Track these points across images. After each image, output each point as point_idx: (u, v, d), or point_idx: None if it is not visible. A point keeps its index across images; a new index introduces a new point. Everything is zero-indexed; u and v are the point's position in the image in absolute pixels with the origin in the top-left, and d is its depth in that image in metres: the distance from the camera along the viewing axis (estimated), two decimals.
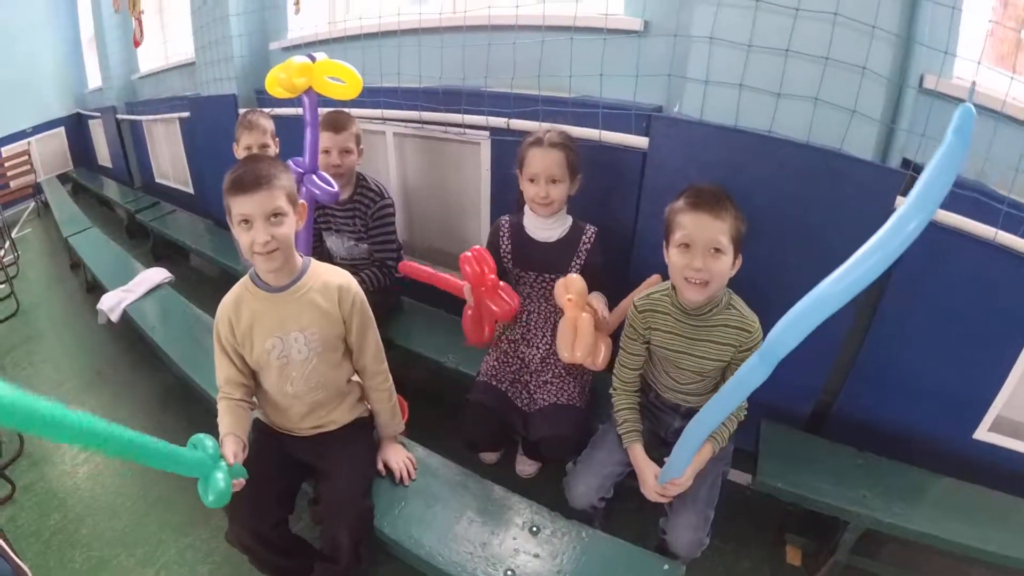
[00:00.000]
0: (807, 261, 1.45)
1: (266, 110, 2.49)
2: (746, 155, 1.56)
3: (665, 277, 1.41)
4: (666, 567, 1.22)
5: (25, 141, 6.55)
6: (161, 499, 1.93)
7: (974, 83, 0.91)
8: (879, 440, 1.64)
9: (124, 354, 2.91)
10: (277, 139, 2.34)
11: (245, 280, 1.35)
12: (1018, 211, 1.38)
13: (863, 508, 1.41)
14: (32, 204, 6.45)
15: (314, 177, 1.94)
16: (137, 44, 5.00)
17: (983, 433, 1.61)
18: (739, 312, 1.34)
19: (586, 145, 1.78)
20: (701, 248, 1.25)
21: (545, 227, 1.72)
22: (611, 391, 1.53)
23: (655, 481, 1.36)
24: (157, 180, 5.15)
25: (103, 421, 0.89)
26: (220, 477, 1.09)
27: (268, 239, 1.20)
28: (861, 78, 1.41)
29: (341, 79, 1.95)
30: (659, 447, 1.49)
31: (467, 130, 2.22)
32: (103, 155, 6.39)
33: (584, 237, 1.70)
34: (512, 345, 1.78)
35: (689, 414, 1.23)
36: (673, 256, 1.30)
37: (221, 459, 1.13)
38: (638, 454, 1.42)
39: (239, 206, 1.20)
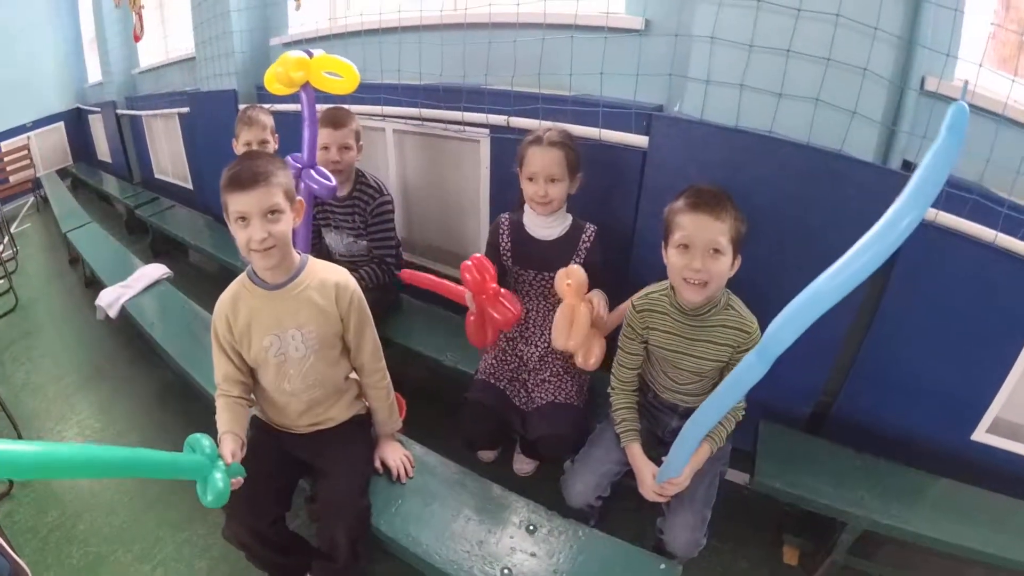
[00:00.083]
0: (807, 262, 1.44)
1: (266, 106, 2.49)
2: (746, 155, 1.56)
3: (664, 277, 1.40)
4: (663, 567, 1.22)
5: (24, 136, 6.53)
6: (159, 495, 1.93)
7: (966, 82, 0.92)
8: (877, 441, 1.64)
9: (123, 350, 2.91)
10: (277, 135, 2.34)
11: (243, 277, 1.34)
12: (1018, 213, 1.37)
13: (861, 509, 1.41)
14: (31, 199, 6.44)
15: (312, 172, 1.94)
16: (137, 39, 5.00)
17: (981, 435, 1.61)
18: (738, 313, 1.34)
19: (586, 144, 1.77)
20: (700, 249, 1.25)
21: (545, 225, 1.71)
22: (609, 390, 1.53)
23: (653, 480, 1.36)
24: (156, 176, 5.14)
25: (98, 447, 0.91)
26: (219, 477, 1.09)
27: (265, 236, 1.20)
28: (862, 79, 1.41)
29: (338, 74, 1.95)
30: (657, 447, 1.49)
31: (467, 128, 2.21)
32: (103, 150, 6.38)
33: (584, 235, 1.70)
34: (510, 343, 1.78)
35: (687, 414, 1.23)
36: (672, 256, 1.30)
37: (219, 459, 1.13)
38: (636, 453, 1.42)
39: (236, 203, 1.19)
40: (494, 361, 1.76)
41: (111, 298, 2.65)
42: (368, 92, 2.44)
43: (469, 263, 1.54)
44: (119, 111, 5.48)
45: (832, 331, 1.60)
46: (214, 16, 3.41)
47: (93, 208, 5.26)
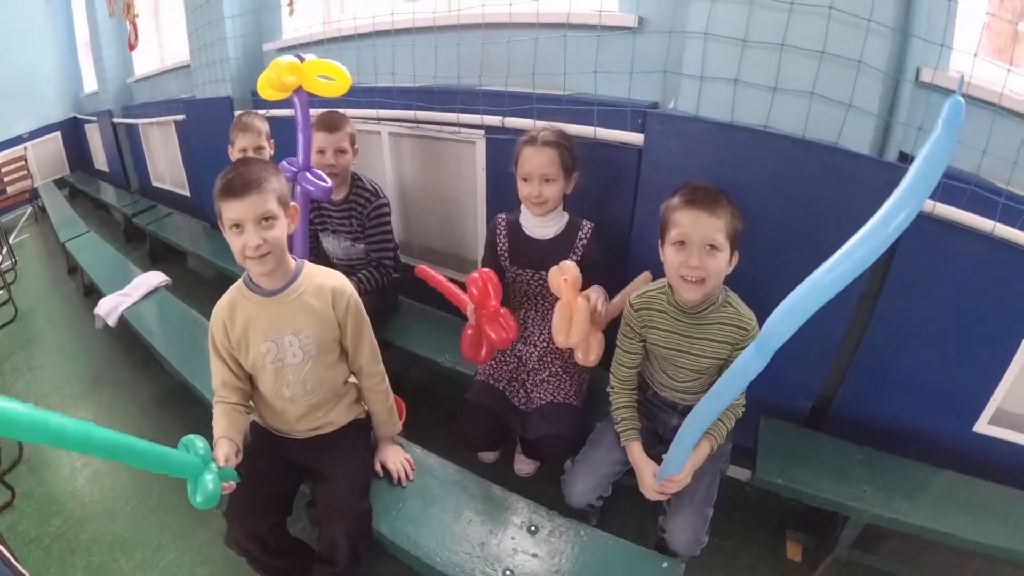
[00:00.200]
0: (804, 257, 1.43)
1: (261, 112, 2.48)
2: (742, 150, 1.55)
3: (660, 274, 1.40)
4: (665, 565, 1.22)
5: (21, 146, 6.53)
6: (160, 503, 1.93)
7: (963, 76, 0.93)
8: (879, 435, 1.63)
9: (122, 358, 2.91)
10: (272, 141, 2.33)
11: (239, 284, 1.34)
12: (1016, 203, 1.37)
13: (863, 503, 1.41)
14: (29, 209, 6.44)
15: (307, 174, 1.95)
16: (132, 48, 4.99)
17: (983, 426, 1.60)
18: (736, 310, 1.34)
19: (581, 142, 1.77)
20: (697, 246, 1.24)
21: (541, 224, 1.71)
22: (608, 389, 1.52)
23: (653, 479, 1.36)
24: (154, 183, 5.14)
25: (92, 425, 0.90)
26: (209, 479, 1.09)
27: (260, 243, 1.20)
28: (857, 72, 1.40)
29: (330, 77, 1.97)
30: (657, 445, 1.48)
31: (462, 129, 2.21)
32: (100, 159, 6.39)
33: (580, 233, 1.69)
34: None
35: (687, 412, 1.23)
36: (669, 254, 1.30)
37: (212, 461, 1.13)
38: (636, 452, 1.42)
39: (229, 210, 1.19)
40: (493, 362, 1.75)
41: (110, 306, 2.64)
42: (363, 95, 2.44)
43: (476, 276, 1.54)
44: (115, 120, 5.48)
45: (832, 325, 1.59)
46: (208, 23, 3.41)
47: (91, 217, 5.26)
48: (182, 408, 2.35)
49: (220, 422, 1.29)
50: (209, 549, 1.74)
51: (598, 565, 1.24)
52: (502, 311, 1.55)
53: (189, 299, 2.69)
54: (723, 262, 1.26)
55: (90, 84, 6.20)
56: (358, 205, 2.12)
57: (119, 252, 3.52)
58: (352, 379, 1.50)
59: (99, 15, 5.26)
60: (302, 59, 1.95)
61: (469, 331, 1.62)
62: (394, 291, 2.29)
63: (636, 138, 1.73)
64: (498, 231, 1.78)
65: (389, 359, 1.53)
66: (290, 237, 1.31)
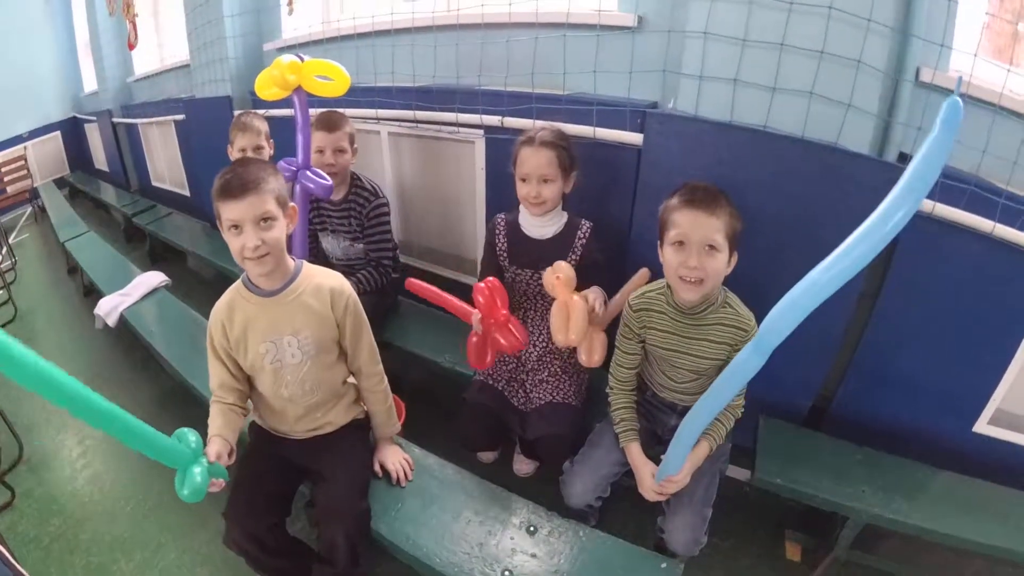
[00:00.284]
0: (804, 257, 1.43)
1: (260, 111, 2.48)
2: (742, 150, 1.55)
3: (659, 274, 1.40)
4: (663, 565, 1.22)
5: (21, 146, 6.53)
6: (160, 503, 1.93)
7: (960, 76, 0.93)
8: (878, 435, 1.63)
9: (122, 358, 2.91)
10: (271, 140, 2.33)
11: (238, 284, 1.34)
12: (1016, 204, 1.37)
13: (862, 503, 1.41)
14: (29, 209, 6.43)
15: (307, 172, 1.95)
16: (132, 47, 4.99)
17: (983, 426, 1.60)
18: (735, 310, 1.34)
19: (581, 142, 1.77)
20: (696, 246, 1.24)
21: (540, 224, 1.71)
22: (607, 390, 1.52)
23: (652, 480, 1.36)
24: (154, 183, 5.14)
25: (88, 389, 0.91)
26: (197, 472, 1.09)
27: (258, 243, 1.20)
28: (856, 72, 1.40)
29: (329, 77, 1.98)
30: (656, 446, 1.48)
31: (462, 129, 2.21)
32: (99, 159, 6.39)
33: (579, 233, 1.69)
34: None
35: (686, 413, 1.22)
36: (668, 254, 1.29)
37: (203, 456, 1.13)
38: (635, 453, 1.42)
39: (228, 211, 1.19)
40: None
41: (110, 306, 2.64)
42: (362, 95, 2.44)
43: (483, 286, 1.53)
44: (115, 119, 5.48)
45: (831, 325, 1.59)
46: (208, 22, 3.40)
47: (91, 217, 5.25)
48: (182, 408, 2.35)
49: (215, 421, 1.29)
50: (208, 549, 1.74)
51: (597, 565, 1.24)
52: (512, 319, 1.55)
53: (189, 299, 2.68)
54: (722, 262, 1.26)
55: (90, 84, 6.20)
56: (357, 205, 2.12)
57: (119, 252, 3.51)
58: (351, 379, 1.50)
59: (99, 14, 5.26)
60: (302, 59, 1.96)
61: (474, 339, 1.61)
62: (393, 291, 2.29)
63: (635, 138, 1.73)
64: (497, 231, 1.78)
65: (388, 359, 1.53)
66: (289, 237, 1.31)
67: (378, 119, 2.49)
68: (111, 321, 2.61)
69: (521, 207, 1.74)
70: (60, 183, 6.62)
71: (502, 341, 1.53)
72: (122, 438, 0.98)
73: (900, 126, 1.48)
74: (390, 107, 2.42)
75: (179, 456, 1.09)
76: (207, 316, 1.37)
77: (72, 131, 6.92)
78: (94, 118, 6.04)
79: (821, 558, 1.58)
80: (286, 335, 1.31)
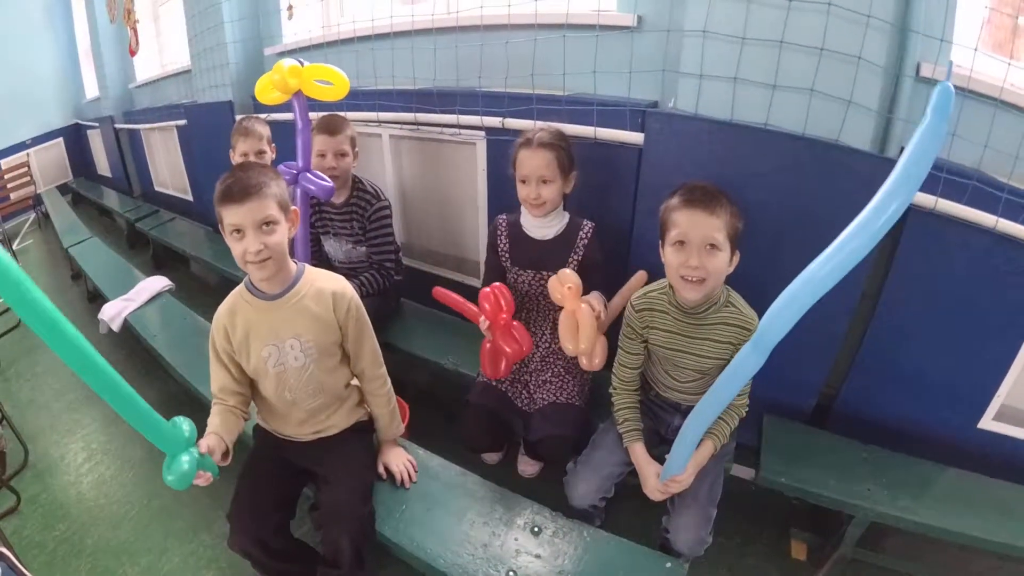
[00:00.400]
0: (806, 255, 1.44)
1: (262, 116, 2.49)
2: (742, 148, 1.55)
3: (659, 274, 1.40)
4: (668, 565, 1.21)
5: (24, 153, 6.55)
6: (164, 508, 1.93)
7: (951, 62, 0.92)
8: (883, 433, 1.63)
9: (126, 363, 2.91)
10: (273, 145, 2.34)
11: (240, 288, 1.34)
12: (1018, 198, 1.36)
13: (868, 501, 1.40)
14: (32, 216, 6.45)
15: (308, 175, 1.96)
16: (133, 53, 5.01)
17: (988, 423, 1.60)
18: (738, 309, 1.33)
19: (581, 142, 1.77)
20: (696, 245, 1.24)
21: (541, 225, 1.71)
22: (610, 390, 1.52)
23: (656, 480, 1.35)
24: (156, 188, 5.15)
25: (97, 356, 0.95)
26: (185, 460, 1.09)
27: (260, 248, 1.20)
28: (857, 68, 1.40)
29: (329, 81, 2.00)
30: (659, 445, 1.48)
31: (462, 130, 2.21)
32: (102, 165, 6.40)
33: (581, 233, 1.69)
34: None
35: (689, 412, 1.22)
36: (669, 254, 1.29)
37: (195, 446, 1.14)
38: (639, 453, 1.42)
39: (230, 216, 1.19)
40: None
41: (113, 312, 2.65)
42: (363, 98, 2.45)
43: (488, 291, 1.53)
44: (117, 125, 5.50)
45: (834, 322, 1.59)
46: (208, 28, 3.42)
47: (94, 223, 5.27)
48: (185, 413, 2.27)
49: (214, 420, 1.30)
50: (213, 552, 1.74)
51: (601, 566, 1.24)
52: (515, 323, 1.55)
53: (192, 304, 2.69)
54: (723, 262, 1.25)
55: (91, 90, 6.22)
56: (359, 208, 2.12)
57: (122, 257, 3.53)
58: (354, 382, 1.50)
59: (100, 21, 5.28)
60: (302, 64, 1.98)
61: (487, 346, 1.61)
62: (396, 294, 2.29)
63: (636, 137, 1.73)
64: (499, 232, 1.78)
65: (391, 362, 1.53)
66: (291, 241, 1.31)
67: (379, 122, 2.50)
68: (115, 326, 2.62)
69: (523, 208, 1.74)
70: (63, 189, 6.65)
71: (504, 346, 1.53)
72: (118, 407, 1.00)
73: (901, 122, 1.48)
74: (391, 110, 2.42)
75: (171, 440, 1.10)
76: (210, 320, 1.37)
77: (75, 137, 6.95)
78: (96, 124, 6.06)
79: (826, 556, 1.57)
80: (288, 339, 1.31)
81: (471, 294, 1.66)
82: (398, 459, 1.49)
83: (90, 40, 5.60)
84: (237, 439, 1.33)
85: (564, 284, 1.47)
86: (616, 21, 1.84)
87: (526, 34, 1.96)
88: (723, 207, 1.24)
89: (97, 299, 3.26)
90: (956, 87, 1.39)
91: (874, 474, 1.48)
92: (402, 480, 1.46)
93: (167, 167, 4.83)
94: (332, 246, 2.25)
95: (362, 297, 1.44)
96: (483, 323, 1.57)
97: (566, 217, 1.72)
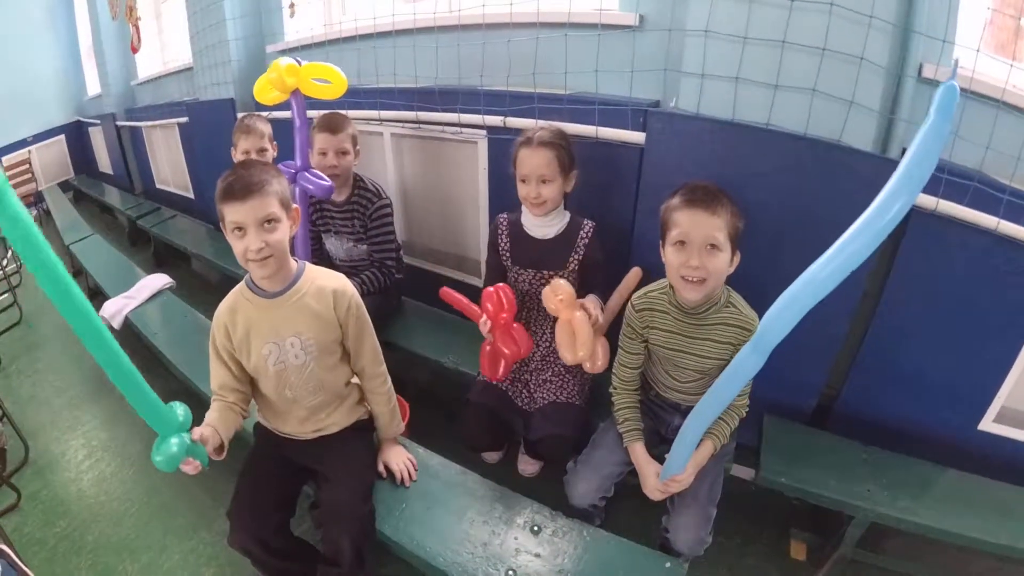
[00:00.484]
0: (807, 255, 1.44)
1: (263, 114, 2.49)
2: (744, 148, 1.55)
3: (656, 272, 1.40)
4: (668, 565, 1.21)
5: (25, 150, 6.56)
6: (165, 505, 1.94)
7: (956, 60, 0.91)
8: (883, 433, 1.63)
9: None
10: (275, 143, 2.34)
11: (241, 286, 1.34)
12: (1020, 200, 1.36)
13: (868, 502, 1.40)
14: (34, 212, 6.46)
15: (306, 174, 1.97)
16: (135, 51, 5.02)
17: (988, 424, 1.59)
18: (738, 310, 1.33)
19: (583, 142, 1.77)
20: (697, 245, 1.24)
21: (542, 224, 1.71)
22: (611, 390, 1.52)
23: (656, 479, 1.35)
24: (158, 186, 5.16)
25: (99, 320, 0.95)
26: (174, 442, 1.10)
27: (262, 246, 1.20)
28: (859, 69, 1.40)
29: (327, 79, 2.00)
30: (659, 445, 1.48)
31: (464, 129, 2.21)
32: (104, 162, 6.41)
33: (582, 232, 1.69)
34: None
35: (690, 412, 1.22)
36: (669, 254, 1.29)
37: (187, 432, 1.14)
38: (639, 452, 1.42)
39: (232, 214, 1.19)
40: None
41: (115, 309, 2.65)
42: (365, 96, 2.45)
43: (491, 290, 1.53)
44: (119, 123, 5.50)
45: (835, 323, 1.59)
46: (210, 25, 3.42)
47: (95, 220, 5.28)
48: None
49: (212, 415, 1.30)
50: (213, 550, 1.74)
51: (601, 565, 1.24)
52: (515, 325, 1.55)
53: (193, 301, 2.70)
54: (724, 262, 1.25)
55: (93, 87, 6.23)
56: (360, 206, 2.12)
57: (123, 255, 3.53)
58: (355, 380, 1.50)
59: (101, 18, 5.29)
60: (300, 63, 1.99)
61: (487, 348, 1.61)
62: (397, 292, 2.29)
63: (637, 137, 1.73)
64: (500, 231, 1.78)
65: (392, 360, 1.53)
66: (292, 239, 1.31)
67: (380, 120, 2.50)
68: (116, 323, 2.62)
69: (523, 207, 1.74)
70: (64, 186, 6.65)
71: (502, 346, 1.53)
72: (115, 377, 1.00)
73: (903, 122, 1.48)
74: (392, 108, 2.42)
75: (164, 421, 1.10)
76: (211, 318, 1.37)
77: (76, 135, 6.96)
78: (98, 121, 6.07)
79: (826, 557, 1.57)
80: (289, 337, 1.31)
81: (472, 293, 1.66)
82: (398, 458, 1.49)
83: (92, 37, 5.60)
84: (236, 436, 1.33)
85: (556, 295, 1.47)
86: (618, 20, 1.84)
87: (528, 33, 1.96)
88: (724, 207, 1.24)
89: (98, 296, 3.26)
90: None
91: (874, 475, 1.48)
92: (402, 479, 1.46)
93: (168, 164, 4.83)
94: (333, 244, 2.25)
95: (363, 295, 1.44)
96: (483, 325, 1.57)
97: (567, 216, 1.72)
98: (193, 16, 3.64)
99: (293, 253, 1.34)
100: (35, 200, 6.37)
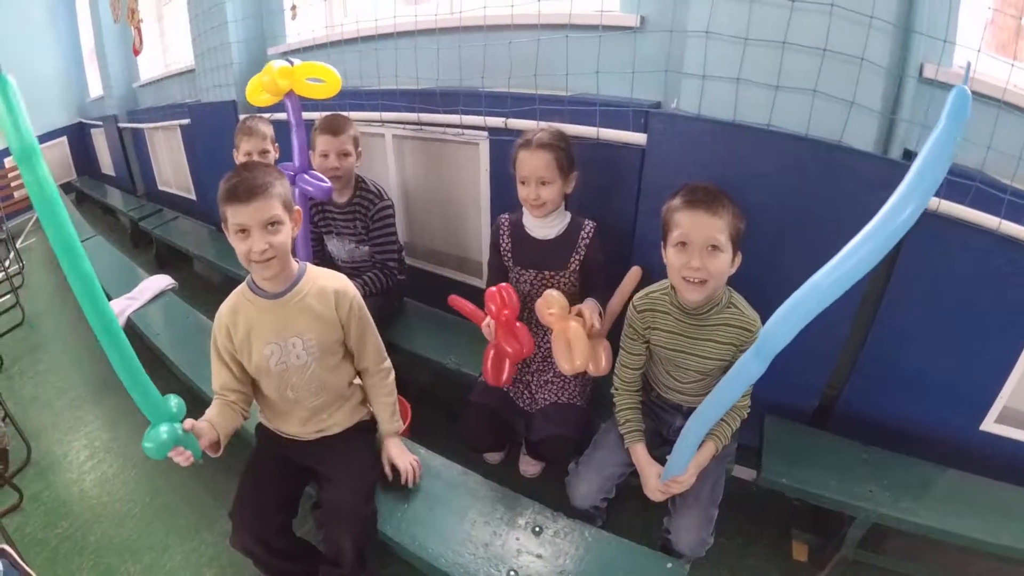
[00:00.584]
0: (809, 256, 1.43)
1: (265, 115, 2.50)
2: (745, 149, 1.55)
3: (656, 273, 1.40)
4: (669, 566, 1.21)
5: None
6: (166, 506, 1.94)
7: (969, 64, 0.89)
8: (885, 434, 1.62)
9: None
10: (277, 144, 2.34)
11: (242, 287, 1.35)
12: (1021, 200, 1.36)
13: (869, 503, 1.40)
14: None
15: (305, 176, 1.97)
16: (137, 53, 5.03)
17: (990, 425, 1.59)
18: (740, 311, 1.33)
19: (584, 143, 1.77)
20: (698, 246, 1.24)
21: (543, 225, 1.71)
22: (612, 391, 1.52)
23: (657, 480, 1.35)
24: (160, 187, 5.17)
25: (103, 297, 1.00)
26: (164, 430, 1.10)
27: (265, 247, 1.21)
28: (859, 69, 1.40)
29: (320, 79, 2.00)
30: (661, 446, 1.48)
31: (465, 131, 2.21)
32: (106, 163, 6.43)
33: (582, 232, 1.69)
34: None
35: (691, 414, 1.22)
36: (671, 255, 1.29)
37: (179, 421, 1.15)
38: (640, 454, 1.42)
39: (235, 216, 1.20)
40: None
41: (117, 310, 2.65)
42: (366, 98, 2.46)
43: (494, 290, 1.53)
44: (121, 124, 5.52)
45: (836, 323, 1.59)
46: (212, 28, 3.43)
47: (98, 222, 5.29)
48: (189, 412, 2.34)
49: (211, 411, 1.30)
50: (215, 551, 1.74)
51: (602, 566, 1.24)
52: (518, 324, 1.55)
53: (195, 302, 2.70)
54: (725, 263, 1.25)
55: (95, 89, 6.25)
56: (362, 207, 2.13)
57: (126, 256, 3.54)
58: (356, 381, 1.50)
59: (103, 21, 5.30)
60: (292, 63, 1.99)
61: (491, 352, 1.61)
62: (399, 293, 2.29)
63: (639, 138, 1.73)
64: (501, 231, 1.78)
65: (393, 361, 1.53)
66: (293, 240, 1.31)
67: (382, 122, 2.50)
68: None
69: (524, 208, 1.74)
70: (67, 188, 6.66)
71: (504, 345, 1.53)
72: (113, 356, 1.04)
73: (904, 123, 1.48)
74: (394, 110, 2.43)
75: (158, 409, 1.11)
76: (213, 319, 1.38)
77: (78, 136, 6.98)
78: (100, 123, 6.08)
79: (828, 558, 1.57)
80: (291, 337, 1.32)
81: (473, 293, 1.66)
82: (405, 457, 1.47)
83: (94, 39, 5.62)
84: (237, 437, 1.33)
85: (548, 308, 1.47)
86: (619, 21, 1.84)
87: (529, 34, 1.96)
88: (725, 208, 1.24)
89: None
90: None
91: (875, 475, 1.47)
92: (407, 479, 1.45)
93: (171, 166, 4.84)
94: (335, 245, 2.26)
95: (365, 297, 1.45)
96: (487, 327, 1.57)
97: (567, 217, 1.72)
98: (195, 19, 3.65)
99: (294, 254, 1.35)
100: None
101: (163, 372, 2.44)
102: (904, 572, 1.57)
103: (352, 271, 2.17)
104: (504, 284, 1.56)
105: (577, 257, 1.68)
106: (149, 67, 5.10)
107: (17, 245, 4.92)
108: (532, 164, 1.61)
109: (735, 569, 1.61)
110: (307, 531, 1.70)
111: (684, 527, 1.36)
